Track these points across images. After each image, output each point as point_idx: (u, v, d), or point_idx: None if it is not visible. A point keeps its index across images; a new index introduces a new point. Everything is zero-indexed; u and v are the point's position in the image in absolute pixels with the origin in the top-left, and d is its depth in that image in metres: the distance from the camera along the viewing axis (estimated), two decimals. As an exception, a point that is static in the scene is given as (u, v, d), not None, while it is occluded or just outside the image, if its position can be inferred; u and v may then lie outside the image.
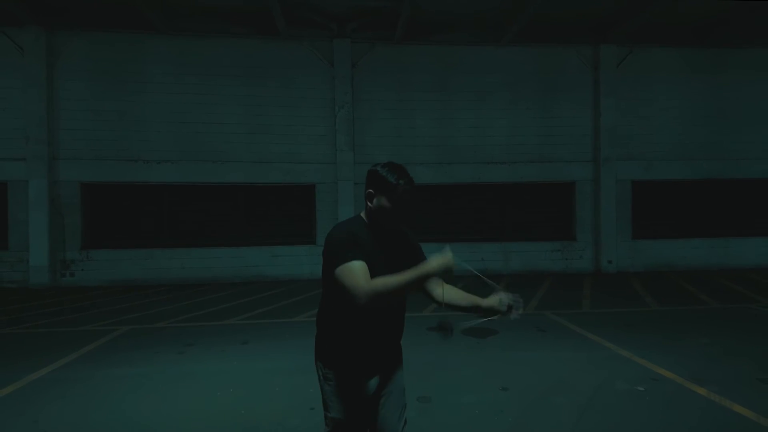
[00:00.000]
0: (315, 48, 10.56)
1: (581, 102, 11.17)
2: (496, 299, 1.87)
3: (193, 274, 10.20)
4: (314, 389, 2.14)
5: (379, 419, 1.96)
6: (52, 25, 9.78)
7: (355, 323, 1.87)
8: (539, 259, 11.06)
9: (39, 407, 3.65)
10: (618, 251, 11.05)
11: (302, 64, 10.57)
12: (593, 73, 11.14)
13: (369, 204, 1.87)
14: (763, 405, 3.50)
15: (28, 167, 9.66)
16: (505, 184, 11.13)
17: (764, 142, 11.34)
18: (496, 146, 11.02)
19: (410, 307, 2.04)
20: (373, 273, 1.73)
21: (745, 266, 11.14)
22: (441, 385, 4.02)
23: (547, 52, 11.07)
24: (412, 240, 2.06)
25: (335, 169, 10.55)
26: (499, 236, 11.13)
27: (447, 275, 1.62)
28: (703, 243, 11.26)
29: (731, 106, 11.32)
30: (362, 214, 1.93)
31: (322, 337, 1.98)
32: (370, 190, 1.85)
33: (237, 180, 10.45)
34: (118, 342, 5.58)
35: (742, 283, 9.26)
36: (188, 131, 10.28)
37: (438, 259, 1.65)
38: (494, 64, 11.01)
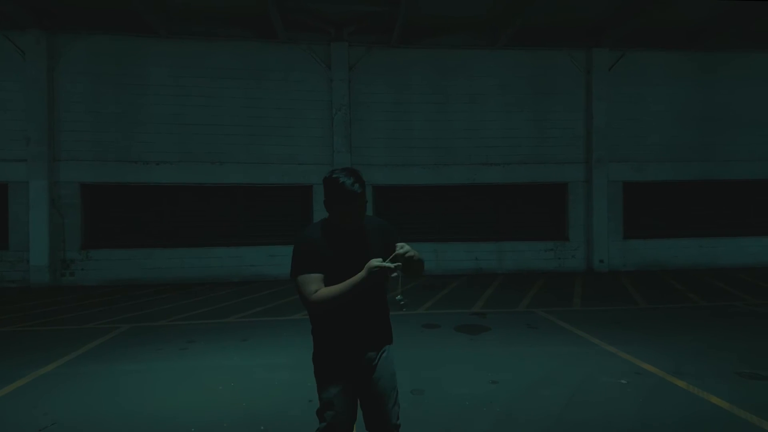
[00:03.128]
0: (313, 51, 10.72)
1: (574, 104, 11.37)
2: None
3: (192, 273, 10.35)
4: (312, 383, 2.23)
5: (372, 405, 2.06)
6: (53, 29, 9.89)
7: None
8: (532, 258, 11.26)
9: (48, 400, 3.80)
10: (610, 251, 11.26)
11: (300, 66, 10.73)
12: (586, 75, 11.35)
13: (328, 211, 2.03)
14: (738, 397, 3.70)
15: (28, 168, 9.79)
16: (500, 185, 11.32)
17: (752, 143, 11.58)
18: (491, 148, 11.21)
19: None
20: (337, 273, 1.90)
21: (734, 266, 11.37)
22: (434, 379, 4.19)
23: (540, 55, 11.27)
24: (388, 234, 2.10)
25: (332, 171, 10.69)
26: (493, 236, 11.31)
27: (387, 281, 1.84)
28: (692, 243, 11.49)
29: (721, 109, 11.55)
30: (330, 217, 2.07)
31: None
32: (324, 199, 2.02)
33: (235, 181, 10.60)
34: (120, 339, 5.73)
35: (729, 282, 9.47)
36: (187, 133, 10.42)
37: (370, 268, 1.81)
38: (489, 67, 11.20)
